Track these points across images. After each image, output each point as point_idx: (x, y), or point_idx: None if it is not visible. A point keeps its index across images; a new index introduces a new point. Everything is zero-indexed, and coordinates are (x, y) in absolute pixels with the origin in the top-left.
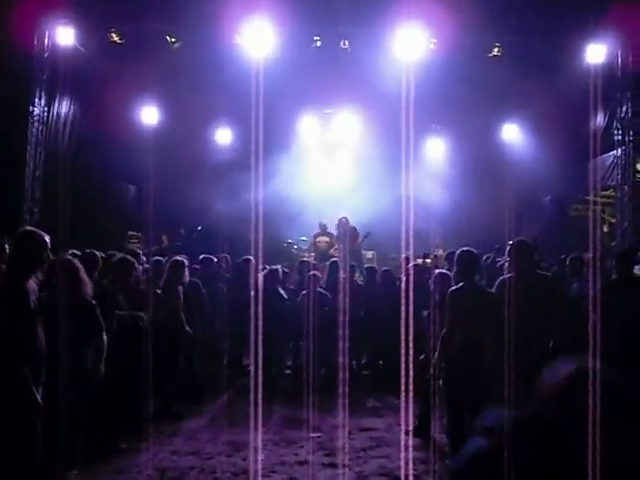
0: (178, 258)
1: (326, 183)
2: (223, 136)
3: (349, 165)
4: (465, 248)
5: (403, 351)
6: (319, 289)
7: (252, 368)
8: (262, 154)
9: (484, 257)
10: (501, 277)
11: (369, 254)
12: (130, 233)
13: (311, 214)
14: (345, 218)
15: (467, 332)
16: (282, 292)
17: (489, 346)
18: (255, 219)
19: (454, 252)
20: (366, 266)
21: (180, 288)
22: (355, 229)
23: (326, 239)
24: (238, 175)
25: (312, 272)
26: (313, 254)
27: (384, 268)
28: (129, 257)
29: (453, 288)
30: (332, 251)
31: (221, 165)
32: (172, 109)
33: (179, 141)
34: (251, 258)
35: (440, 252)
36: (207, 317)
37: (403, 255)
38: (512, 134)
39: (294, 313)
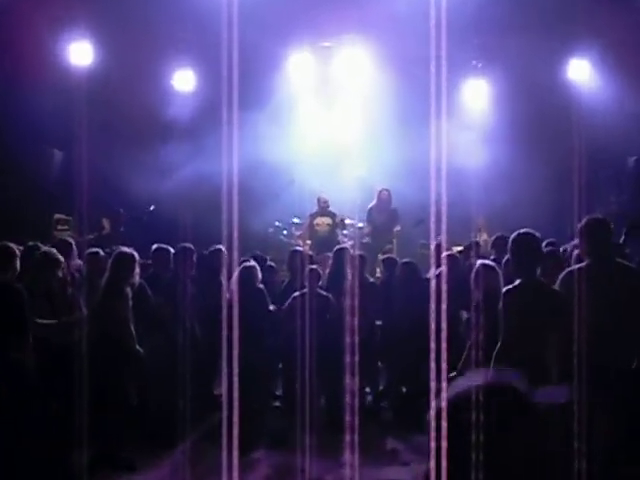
0: (125, 250)
1: (325, 144)
2: (183, 81)
3: (356, 119)
4: (523, 231)
5: (434, 372)
6: (318, 290)
7: (226, 399)
8: (237, 105)
9: (544, 243)
10: (568, 269)
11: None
12: (57, 217)
13: (306, 187)
14: (387, 191)
15: (528, 347)
16: (265, 296)
17: (556, 364)
18: (228, 195)
19: (503, 236)
20: (382, 257)
21: (128, 291)
22: (395, 212)
23: (327, 221)
24: (204, 135)
25: (309, 266)
26: (309, 242)
27: (406, 260)
28: (52, 252)
29: (508, 287)
30: (335, 234)
31: (180, 121)
32: (112, 45)
33: (122, 89)
34: (222, 248)
35: (484, 237)
36: (162, 331)
37: (434, 242)
38: (581, 73)
39: (283, 323)
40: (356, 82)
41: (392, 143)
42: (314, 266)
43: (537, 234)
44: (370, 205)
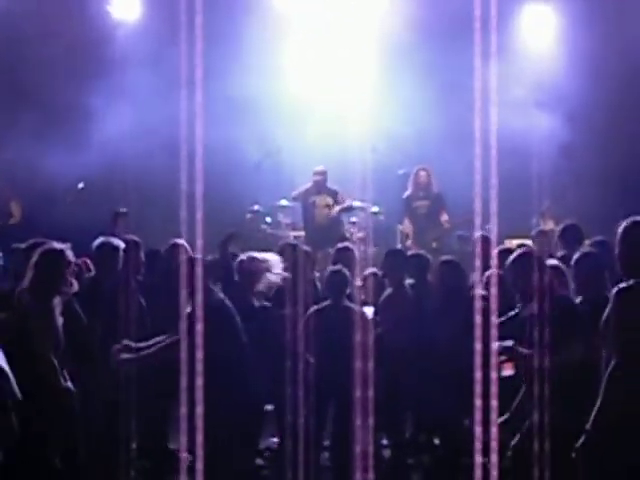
0: (53, 246)
1: (325, 99)
2: (124, 7)
3: (369, 66)
4: (636, 219)
5: (478, 415)
6: (346, 302)
7: (187, 457)
8: (200, 37)
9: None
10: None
11: (406, 227)
12: None
13: (297, 157)
14: (425, 170)
15: None
16: (234, 315)
17: None
18: (189, 168)
19: (575, 226)
20: (409, 253)
21: (57, 303)
22: (440, 197)
23: (326, 200)
24: (153, 81)
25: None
26: (302, 232)
27: (444, 258)
28: None
29: (621, 287)
30: (336, 211)
31: (120, 60)
32: None
33: (37, 14)
34: (181, 242)
35: (550, 225)
36: (98, 364)
37: (479, 233)
38: None
39: (269, 349)
40: (367, 14)
41: (419, 98)
42: (337, 267)
43: None
44: (406, 193)
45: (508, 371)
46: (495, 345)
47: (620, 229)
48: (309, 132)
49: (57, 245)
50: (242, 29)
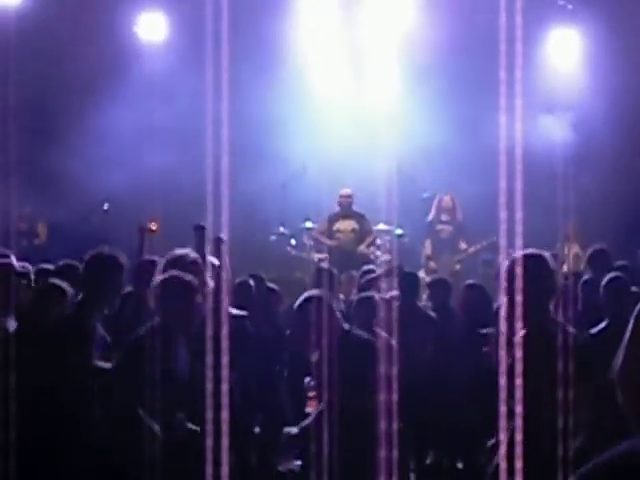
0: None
1: (350, 118)
2: (151, 26)
3: (393, 81)
4: None
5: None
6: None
7: None
8: (226, 58)
9: None
10: None
11: (427, 250)
12: None
13: (323, 175)
14: (450, 197)
15: None
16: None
17: None
18: (214, 187)
19: (603, 250)
20: (428, 280)
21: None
22: (462, 225)
23: (351, 225)
24: (179, 97)
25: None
26: (325, 255)
27: (470, 282)
28: None
29: None
30: (363, 248)
31: (146, 78)
32: None
33: (65, 36)
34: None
35: (575, 249)
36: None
37: (503, 255)
38: None
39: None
40: (391, 31)
41: (442, 116)
42: (367, 294)
43: None
44: (430, 216)
45: None
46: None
47: None
48: (335, 153)
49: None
50: (267, 47)
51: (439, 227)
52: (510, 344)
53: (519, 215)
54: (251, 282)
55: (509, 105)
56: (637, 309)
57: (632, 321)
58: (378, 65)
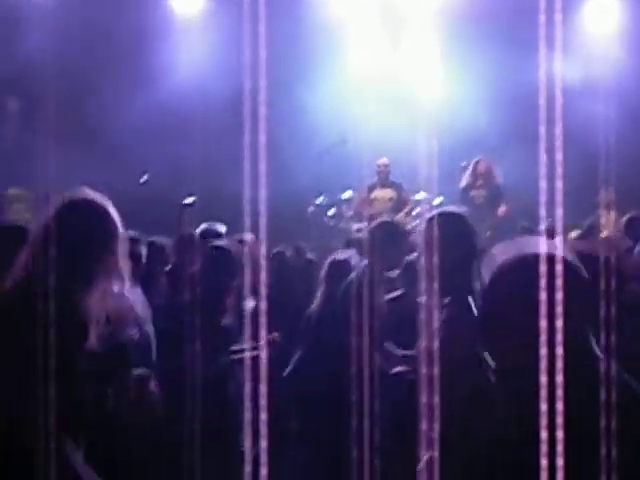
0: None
1: (390, 90)
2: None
3: (429, 47)
4: None
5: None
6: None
7: None
8: (263, 31)
9: None
10: None
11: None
12: (12, 192)
13: (362, 149)
14: (485, 161)
15: None
16: None
17: None
18: (252, 158)
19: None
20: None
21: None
22: (499, 189)
23: (389, 194)
24: (215, 73)
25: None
26: (361, 225)
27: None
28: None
29: None
30: (401, 217)
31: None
32: None
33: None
34: (245, 239)
35: (613, 216)
36: None
37: (543, 225)
38: None
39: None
40: (433, 6)
41: (480, 82)
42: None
43: None
44: (464, 182)
45: None
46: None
47: None
48: (374, 123)
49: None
50: (303, 18)
51: (473, 193)
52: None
53: (559, 184)
54: (288, 252)
55: (549, 75)
56: None
57: None
58: (418, 34)
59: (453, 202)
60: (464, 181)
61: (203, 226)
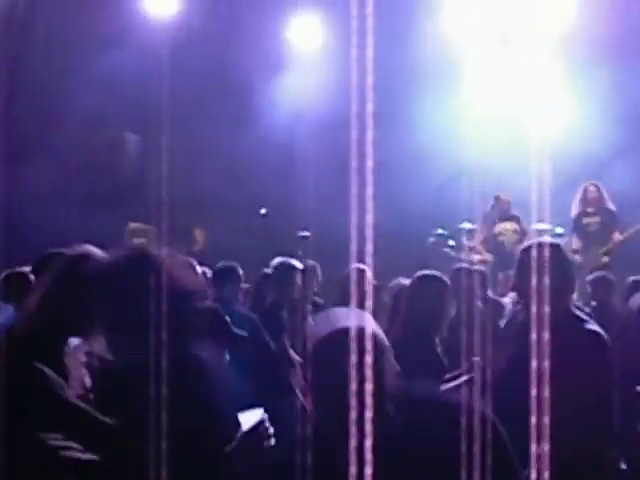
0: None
1: (508, 119)
2: (304, 27)
3: (551, 78)
4: None
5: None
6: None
7: None
8: (370, 60)
9: None
10: None
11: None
12: (132, 226)
13: (477, 181)
14: (595, 186)
15: None
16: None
17: None
18: (359, 189)
19: None
20: (591, 277)
21: None
22: (612, 214)
23: (513, 226)
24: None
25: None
26: (489, 256)
27: (636, 277)
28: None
29: None
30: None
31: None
32: None
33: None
34: (363, 268)
35: None
36: None
37: None
38: None
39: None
40: (552, 27)
41: (602, 119)
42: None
43: None
44: (575, 210)
45: None
46: None
47: None
48: (490, 157)
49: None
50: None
51: (585, 220)
52: None
53: None
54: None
55: None
56: None
57: None
58: (534, 62)
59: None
60: (575, 209)
61: (277, 260)
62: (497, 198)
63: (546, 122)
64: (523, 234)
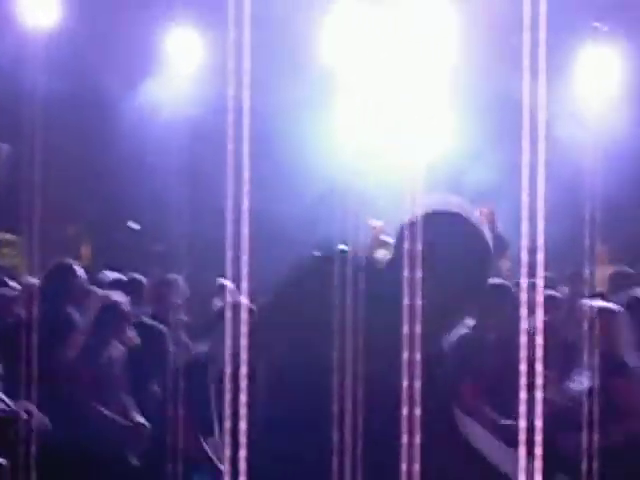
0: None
1: (381, 136)
2: (180, 42)
3: (424, 93)
4: None
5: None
6: None
7: None
8: (247, 75)
9: None
10: None
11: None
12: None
13: (351, 198)
14: (488, 209)
15: None
16: None
17: None
18: (235, 217)
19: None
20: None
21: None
22: (502, 239)
23: (384, 254)
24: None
25: None
26: None
27: None
28: None
29: None
30: None
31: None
32: None
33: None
34: (225, 283)
35: (604, 270)
36: None
37: (524, 281)
38: None
39: None
40: (424, 44)
41: (480, 135)
42: None
43: None
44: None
45: None
46: None
47: None
48: (363, 172)
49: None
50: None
51: None
52: None
53: (540, 226)
54: None
55: (532, 121)
56: None
57: None
58: (410, 76)
59: None
60: None
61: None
62: (370, 224)
63: (421, 145)
64: None
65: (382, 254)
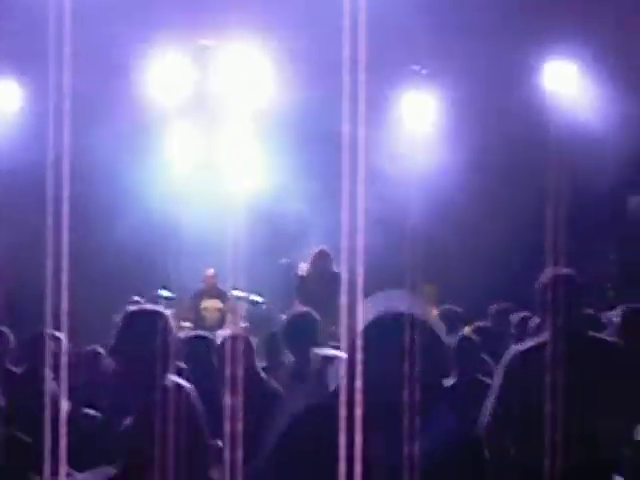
0: None
1: (208, 176)
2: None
3: (250, 145)
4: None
5: None
6: None
7: None
8: (68, 128)
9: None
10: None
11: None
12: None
13: (183, 238)
14: (324, 250)
15: None
16: None
17: None
18: (54, 265)
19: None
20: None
21: None
22: (338, 277)
23: (217, 304)
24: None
25: None
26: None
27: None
28: None
29: None
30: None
31: None
32: None
33: None
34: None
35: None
36: None
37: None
38: (564, 79)
39: None
40: (246, 96)
41: (299, 174)
42: None
43: None
44: (300, 272)
45: None
46: None
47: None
48: (193, 214)
49: None
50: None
51: (314, 287)
52: None
53: (360, 269)
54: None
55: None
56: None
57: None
58: (233, 128)
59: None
60: (301, 271)
61: None
62: (205, 274)
63: (249, 184)
64: (225, 312)
65: (212, 306)
